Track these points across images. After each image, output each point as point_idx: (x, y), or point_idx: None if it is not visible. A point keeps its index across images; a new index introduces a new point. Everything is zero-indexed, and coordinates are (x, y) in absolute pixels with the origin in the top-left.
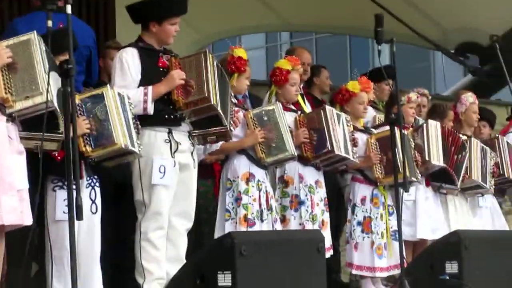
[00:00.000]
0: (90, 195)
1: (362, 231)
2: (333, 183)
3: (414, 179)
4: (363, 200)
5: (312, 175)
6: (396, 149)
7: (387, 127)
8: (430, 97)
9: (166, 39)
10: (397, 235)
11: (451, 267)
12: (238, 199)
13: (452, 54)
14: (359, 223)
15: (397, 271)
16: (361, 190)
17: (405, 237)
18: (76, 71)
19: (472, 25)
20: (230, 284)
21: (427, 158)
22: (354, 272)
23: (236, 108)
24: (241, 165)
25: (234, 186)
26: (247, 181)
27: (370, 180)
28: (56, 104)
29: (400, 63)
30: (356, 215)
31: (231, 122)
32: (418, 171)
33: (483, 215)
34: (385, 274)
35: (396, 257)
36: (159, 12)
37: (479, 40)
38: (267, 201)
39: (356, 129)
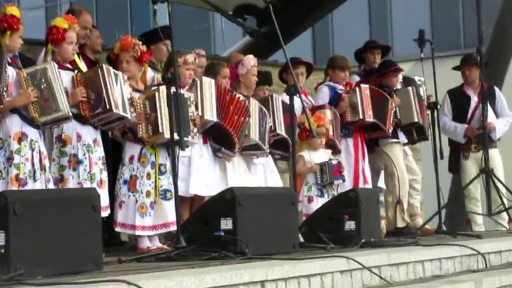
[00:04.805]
0: None
1: (128, 190)
2: (112, 142)
3: (188, 138)
4: (131, 159)
5: (90, 134)
6: (174, 108)
7: (156, 87)
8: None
9: None
10: (167, 194)
11: (226, 224)
12: (9, 159)
13: (230, 16)
14: (125, 182)
15: (164, 230)
16: (130, 149)
17: (180, 193)
18: None
19: None
20: (3, 243)
21: (200, 114)
22: (117, 229)
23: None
24: (13, 124)
25: (6, 145)
26: (20, 140)
27: (139, 139)
28: None
29: (180, 24)
30: (123, 174)
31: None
32: (195, 130)
33: (257, 172)
34: (149, 233)
35: (165, 216)
36: None
37: (256, 2)
38: (40, 161)
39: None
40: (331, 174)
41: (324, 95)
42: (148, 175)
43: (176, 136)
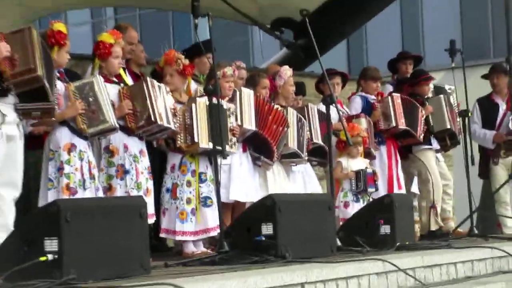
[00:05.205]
0: None
1: (171, 197)
2: (158, 152)
3: (226, 148)
4: (172, 168)
5: (136, 145)
6: (213, 119)
7: (194, 98)
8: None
9: None
10: (207, 201)
11: (267, 229)
12: (60, 169)
13: (268, 29)
14: (168, 190)
15: (205, 236)
16: (172, 158)
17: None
18: None
19: (285, 2)
20: (57, 249)
21: (239, 123)
22: (162, 235)
23: None
24: (62, 136)
25: (56, 156)
26: (69, 151)
27: (180, 148)
28: None
29: (221, 38)
30: (165, 182)
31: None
32: (234, 140)
33: (296, 179)
34: (190, 238)
35: (205, 222)
36: None
37: (293, 15)
38: (89, 170)
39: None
40: (365, 181)
41: (357, 105)
42: (189, 182)
43: (218, 147)
